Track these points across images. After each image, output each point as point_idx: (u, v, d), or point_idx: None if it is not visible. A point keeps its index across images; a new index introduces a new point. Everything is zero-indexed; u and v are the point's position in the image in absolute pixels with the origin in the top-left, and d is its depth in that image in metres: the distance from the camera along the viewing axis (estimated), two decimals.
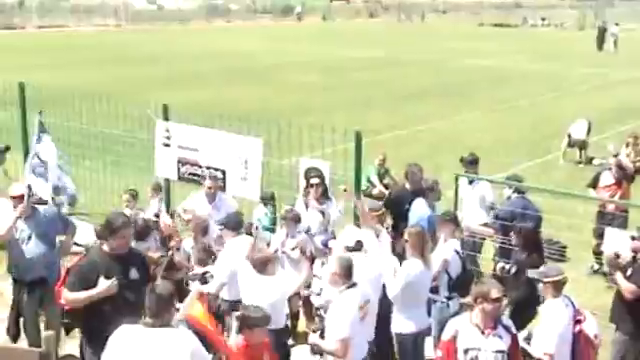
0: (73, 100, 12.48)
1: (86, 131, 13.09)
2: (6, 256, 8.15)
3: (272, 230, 9.97)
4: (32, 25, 57.59)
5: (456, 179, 9.14)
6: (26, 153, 12.94)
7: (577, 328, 6.50)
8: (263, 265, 7.08)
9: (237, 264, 7.28)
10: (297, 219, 8.61)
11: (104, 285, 6.07)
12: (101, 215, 10.84)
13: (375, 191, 13.96)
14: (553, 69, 35.71)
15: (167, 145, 10.29)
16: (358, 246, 7.40)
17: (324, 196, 9.11)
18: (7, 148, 12.70)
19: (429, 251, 7.37)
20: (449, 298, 7.78)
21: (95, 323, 5.98)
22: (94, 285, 6.11)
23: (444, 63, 38.01)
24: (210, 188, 9.35)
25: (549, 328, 6.37)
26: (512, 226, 8.18)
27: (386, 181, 14.18)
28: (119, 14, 65.84)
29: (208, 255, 8.09)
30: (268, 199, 10.26)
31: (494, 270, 8.84)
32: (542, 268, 6.78)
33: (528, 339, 6.62)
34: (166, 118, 10.69)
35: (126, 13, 66.85)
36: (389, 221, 8.59)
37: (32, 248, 7.78)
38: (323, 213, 8.99)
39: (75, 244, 9.34)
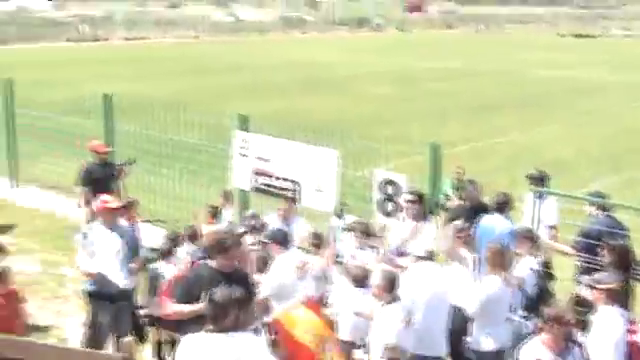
0: (153, 109, 12.84)
1: (164, 140, 13.40)
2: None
3: None
4: (117, 37, 59.28)
5: (537, 194, 8.93)
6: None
7: (630, 339, 6.28)
8: (364, 278, 7.06)
9: (286, 279, 7.26)
10: (366, 231, 8.49)
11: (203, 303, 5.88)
12: (175, 222, 11.14)
13: (451, 204, 13.79)
14: (635, 80, 34.67)
15: (244, 155, 10.42)
16: (429, 255, 7.39)
17: (421, 215, 8.87)
18: (131, 161, 11.66)
19: (509, 268, 7.26)
20: (526, 317, 7.58)
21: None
22: (197, 299, 6.05)
23: (522, 74, 37.40)
24: (281, 210, 9.24)
25: (604, 337, 6.17)
26: (600, 244, 7.89)
27: (463, 194, 14.00)
28: (198, 26, 67.22)
29: (264, 264, 8.12)
30: (342, 212, 10.27)
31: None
32: (596, 275, 6.62)
33: None
34: (244, 128, 10.85)
35: (205, 25, 68.21)
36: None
37: (122, 260, 7.81)
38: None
39: (151, 249, 9.53)
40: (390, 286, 6.51)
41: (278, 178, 10.05)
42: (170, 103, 13.20)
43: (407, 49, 53.49)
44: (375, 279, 6.62)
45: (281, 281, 7.28)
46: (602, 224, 8.52)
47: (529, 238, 7.82)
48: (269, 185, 10.12)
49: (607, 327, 6.21)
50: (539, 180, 9.84)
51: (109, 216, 7.93)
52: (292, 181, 9.87)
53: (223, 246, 6.24)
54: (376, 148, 9.73)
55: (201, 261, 6.55)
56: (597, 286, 6.36)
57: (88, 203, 10.53)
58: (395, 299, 6.52)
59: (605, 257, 7.54)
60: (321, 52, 48.63)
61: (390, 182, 9.28)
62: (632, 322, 6.41)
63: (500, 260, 7.11)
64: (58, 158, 15.09)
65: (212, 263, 6.31)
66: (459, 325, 7.59)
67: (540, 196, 9.25)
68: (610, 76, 36.53)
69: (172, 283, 6.87)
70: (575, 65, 41.93)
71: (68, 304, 10.11)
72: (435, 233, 8.69)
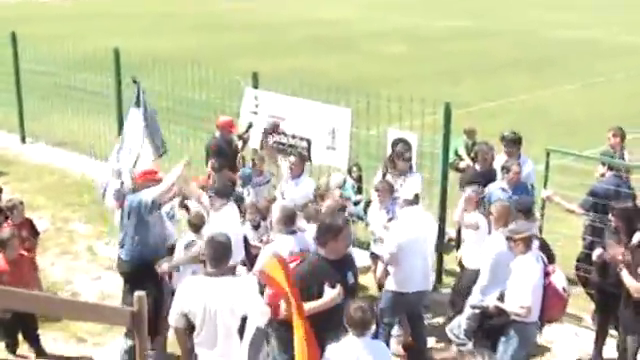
0: (163, 66, 12.75)
1: (176, 97, 13.32)
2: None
3: (356, 203, 9.99)
4: None
5: (547, 154, 8.87)
6: (120, 118, 13.39)
7: (546, 281, 6.77)
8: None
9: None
10: (391, 189, 8.48)
11: (330, 295, 5.76)
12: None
13: (462, 164, 13.72)
14: None
15: (255, 113, 10.34)
16: (416, 200, 7.78)
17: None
18: (250, 126, 10.39)
19: None
20: None
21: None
22: (317, 294, 5.79)
23: (536, 34, 36.91)
24: (293, 165, 9.18)
25: (523, 282, 6.62)
26: (607, 205, 7.92)
27: (474, 154, 13.91)
28: None
29: (201, 221, 8.02)
30: (354, 170, 10.24)
31: (584, 249, 8.62)
32: (511, 225, 6.98)
33: (501, 298, 6.79)
34: (255, 86, 10.76)
35: None
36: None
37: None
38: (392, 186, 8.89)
39: None
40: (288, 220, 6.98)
41: (289, 136, 9.98)
42: (182, 60, 13.06)
43: (420, 7, 52.77)
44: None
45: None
46: (609, 183, 8.51)
47: (522, 212, 7.77)
48: (280, 143, 10.06)
49: (526, 274, 6.64)
50: (513, 142, 9.74)
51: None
52: (303, 139, 9.80)
53: (333, 229, 5.83)
54: (389, 107, 9.63)
55: (312, 253, 6.17)
56: (515, 237, 6.74)
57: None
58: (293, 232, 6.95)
59: (614, 221, 7.52)
60: (334, 10, 48.07)
61: (401, 141, 9.22)
62: (548, 266, 6.88)
63: (506, 218, 7.26)
64: (65, 114, 15.07)
65: (321, 252, 5.91)
66: (466, 285, 7.68)
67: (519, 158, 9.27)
68: (627, 37, 36.00)
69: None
70: (590, 25, 41.33)
71: (79, 260, 10.18)
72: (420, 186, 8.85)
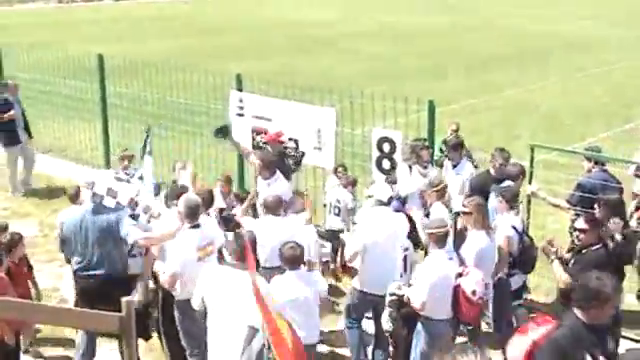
0: (147, 70, 12.73)
1: (161, 101, 13.31)
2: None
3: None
4: None
5: (532, 149, 8.92)
6: (105, 123, 13.37)
7: (456, 282, 6.62)
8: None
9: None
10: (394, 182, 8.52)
11: None
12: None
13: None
14: (635, 34, 34.38)
15: (241, 115, 10.34)
16: (388, 201, 7.48)
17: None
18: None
19: (490, 223, 7.34)
20: (509, 275, 7.62)
21: None
22: None
23: (518, 29, 37.10)
24: (258, 167, 8.98)
25: (420, 278, 6.62)
26: (595, 199, 7.94)
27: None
28: None
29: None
30: (340, 170, 10.23)
31: (572, 243, 8.66)
32: (426, 220, 7.16)
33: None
34: (240, 88, 10.77)
35: None
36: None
37: None
38: (425, 176, 9.01)
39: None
40: (190, 212, 6.99)
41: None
42: (164, 64, 13.04)
43: (400, 4, 52.86)
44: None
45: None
46: (596, 178, 8.55)
47: (505, 198, 7.80)
48: (265, 142, 10.01)
49: (427, 270, 6.63)
50: (454, 148, 9.81)
51: None
52: (291, 139, 9.78)
53: (602, 298, 5.02)
54: (373, 106, 9.65)
55: (569, 316, 5.19)
56: (426, 230, 6.84)
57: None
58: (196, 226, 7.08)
59: (599, 212, 7.56)
60: (313, 10, 48.12)
61: (386, 140, 9.24)
62: (465, 267, 6.75)
63: (482, 215, 7.17)
64: (51, 121, 14.99)
65: (581, 314, 5.08)
66: None
67: (455, 166, 9.54)
68: (610, 31, 36.22)
69: (534, 350, 5.32)
70: (573, 19, 41.57)
71: (66, 267, 10.11)
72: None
